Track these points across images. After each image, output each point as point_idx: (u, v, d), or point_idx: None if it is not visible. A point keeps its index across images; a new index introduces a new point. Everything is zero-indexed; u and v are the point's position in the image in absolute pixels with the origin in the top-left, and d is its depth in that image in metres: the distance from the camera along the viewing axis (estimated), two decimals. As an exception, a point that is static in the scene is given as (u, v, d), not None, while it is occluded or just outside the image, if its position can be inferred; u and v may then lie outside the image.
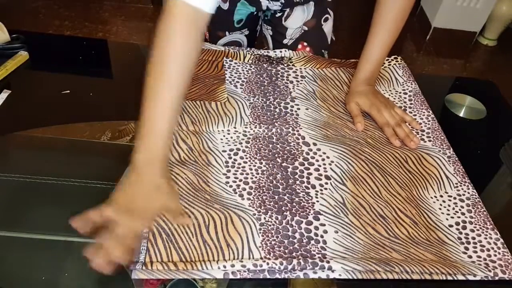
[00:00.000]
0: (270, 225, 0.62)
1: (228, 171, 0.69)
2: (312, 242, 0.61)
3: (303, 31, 1.02)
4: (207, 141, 0.74)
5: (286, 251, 0.59)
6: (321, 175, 0.71)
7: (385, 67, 0.97)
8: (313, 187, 0.69)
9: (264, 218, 0.63)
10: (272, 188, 0.68)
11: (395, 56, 0.99)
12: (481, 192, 0.72)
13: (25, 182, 0.67)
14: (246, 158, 0.72)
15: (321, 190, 0.68)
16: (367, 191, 0.69)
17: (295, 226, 0.63)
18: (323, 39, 1.04)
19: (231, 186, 0.67)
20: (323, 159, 0.73)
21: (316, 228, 0.63)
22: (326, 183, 0.70)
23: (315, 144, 0.76)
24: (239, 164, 0.71)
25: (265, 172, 0.70)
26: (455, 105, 0.94)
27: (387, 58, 0.98)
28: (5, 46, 0.90)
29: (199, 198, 0.64)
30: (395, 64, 0.97)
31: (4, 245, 0.59)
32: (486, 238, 0.65)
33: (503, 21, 2.56)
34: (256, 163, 0.71)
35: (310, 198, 0.67)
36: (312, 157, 0.73)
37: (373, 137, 0.79)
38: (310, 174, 0.71)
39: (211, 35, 1.05)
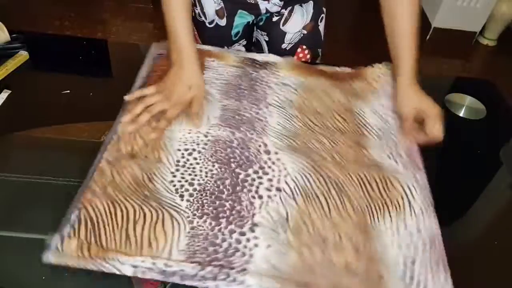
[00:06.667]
0: (200, 230, 0.60)
1: (177, 170, 0.68)
2: (238, 254, 0.58)
3: (302, 35, 1.01)
4: (164, 139, 0.73)
5: (207, 259, 0.57)
6: (272, 186, 0.67)
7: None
8: (260, 197, 0.65)
9: (197, 222, 0.61)
10: (216, 193, 0.65)
11: None
12: (480, 192, 0.72)
13: (25, 182, 0.67)
14: (200, 160, 0.70)
15: (268, 201, 0.65)
16: (316, 209, 0.64)
17: (226, 235, 0.60)
18: (319, 38, 1.04)
19: (174, 185, 0.66)
20: (279, 170, 0.69)
21: (248, 240, 0.60)
22: (275, 195, 0.66)
23: (276, 153, 0.72)
24: (191, 164, 0.69)
25: (214, 176, 0.68)
26: (455, 105, 0.94)
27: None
28: (5, 46, 0.90)
29: (137, 193, 0.64)
30: None
31: (4, 245, 0.59)
32: (433, 279, 0.58)
33: (503, 21, 2.55)
34: (208, 165, 0.69)
35: (253, 208, 0.64)
36: (269, 167, 0.70)
37: (341, 153, 0.74)
38: (261, 183, 0.67)
39: None
